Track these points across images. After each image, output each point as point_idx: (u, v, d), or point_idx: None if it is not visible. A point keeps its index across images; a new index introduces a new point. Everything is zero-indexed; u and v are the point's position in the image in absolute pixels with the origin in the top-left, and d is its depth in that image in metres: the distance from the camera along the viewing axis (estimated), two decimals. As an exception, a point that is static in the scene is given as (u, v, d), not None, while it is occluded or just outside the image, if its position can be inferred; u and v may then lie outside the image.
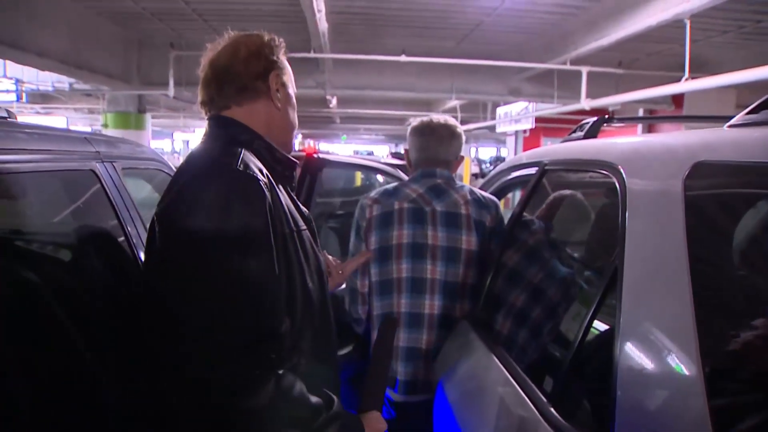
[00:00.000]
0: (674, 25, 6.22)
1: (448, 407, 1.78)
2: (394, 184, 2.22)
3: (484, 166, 27.81)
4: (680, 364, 0.94)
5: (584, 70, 8.36)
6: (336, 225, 4.84)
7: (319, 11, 6.11)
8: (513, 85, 10.66)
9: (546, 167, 1.87)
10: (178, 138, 31.46)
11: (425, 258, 2.05)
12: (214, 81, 1.37)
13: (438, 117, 2.23)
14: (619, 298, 1.08)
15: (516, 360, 1.60)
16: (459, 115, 13.82)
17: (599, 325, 1.33)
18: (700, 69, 7.65)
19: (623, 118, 2.45)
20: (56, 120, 17.81)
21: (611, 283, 1.17)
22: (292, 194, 1.44)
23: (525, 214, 1.98)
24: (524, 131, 16.00)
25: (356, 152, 36.74)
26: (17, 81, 11.02)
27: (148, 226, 1.63)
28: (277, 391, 1.14)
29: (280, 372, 1.17)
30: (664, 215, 1.09)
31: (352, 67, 9.86)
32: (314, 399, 1.25)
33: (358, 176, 7.89)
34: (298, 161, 1.49)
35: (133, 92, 10.12)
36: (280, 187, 1.36)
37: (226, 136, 1.34)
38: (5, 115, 1.48)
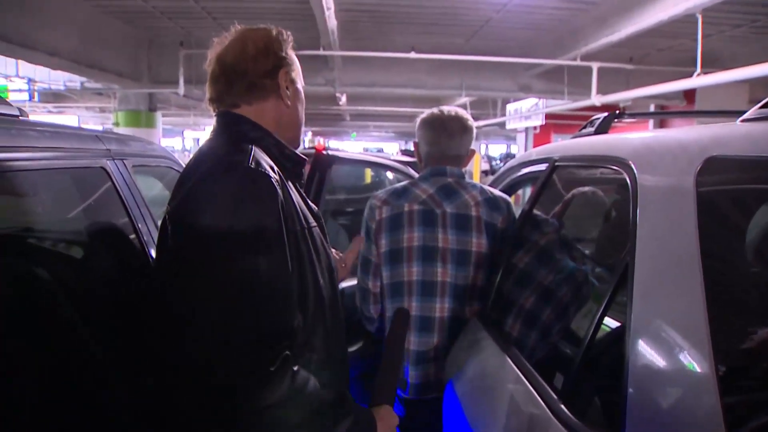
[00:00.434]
0: (685, 20, 6.17)
1: (458, 405, 1.78)
2: (404, 183, 2.19)
3: (494, 163, 27.72)
4: (692, 362, 0.93)
5: (595, 66, 8.32)
6: (346, 222, 4.83)
7: (329, 9, 6.12)
8: (523, 82, 10.63)
9: (556, 163, 1.86)
10: (189, 136, 31.60)
11: (435, 261, 2.03)
12: (223, 78, 1.36)
13: (449, 109, 2.17)
14: (630, 295, 1.07)
15: (527, 357, 1.59)
16: (469, 111, 13.76)
17: (610, 322, 1.33)
18: (712, 64, 7.59)
19: (634, 113, 2.43)
20: (68, 119, 17.97)
21: (622, 280, 1.16)
22: (301, 191, 1.43)
23: (535, 210, 1.97)
24: (534, 128, 15.95)
25: (366, 149, 36.73)
26: (30, 80, 11.10)
27: (158, 223, 1.64)
28: (292, 388, 1.14)
29: (295, 368, 1.17)
30: (675, 211, 1.08)
31: (362, 64, 9.85)
32: (327, 394, 1.25)
33: (368, 173, 7.88)
34: (307, 158, 1.49)
35: (144, 91, 10.18)
36: (290, 183, 1.35)
37: (235, 134, 1.33)
38: (17, 113, 1.49)
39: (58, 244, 1.57)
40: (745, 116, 1.25)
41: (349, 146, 40.48)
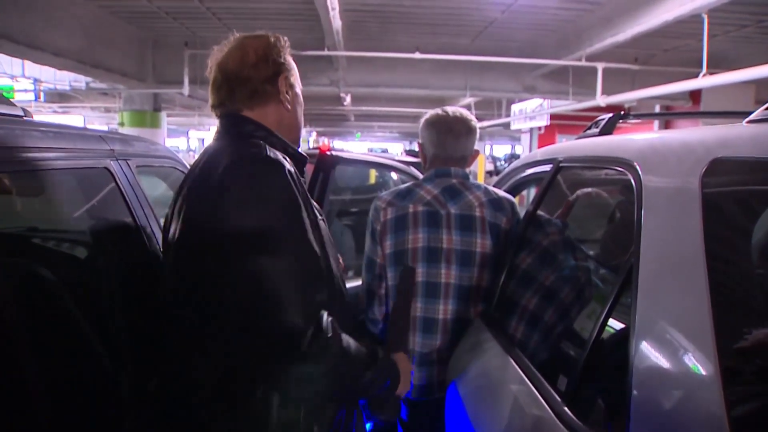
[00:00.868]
0: (691, 21, 6.15)
1: (461, 406, 1.77)
2: (408, 184, 2.18)
3: (498, 164, 27.67)
4: (697, 363, 0.92)
5: (600, 66, 8.30)
6: (350, 222, 4.82)
7: (333, 9, 6.12)
8: (528, 82, 10.61)
9: (561, 164, 1.85)
10: (194, 136, 31.66)
11: (440, 262, 2.02)
12: (225, 85, 1.41)
13: (453, 110, 2.17)
14: (634, 297, 1.06)
15: (530, 359, 1.58)
16: (473, 112, 13.77)
17: (614, 324, 1.32)
18: (718, 65, 7.57)
19: (639, 114, 2.41)
20: (73, 119, 18.02)
21: (626, 282, 1.15)
22: (304, 187, 1.45)
23: (539, 211, 1.97)
24: (539, 128, 15.89)
25: (370, 150, 36.72)
26: (35, 80, 11.14)
27: (162, 222, 1.65)
28: (343, 350, 1.26)
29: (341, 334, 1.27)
30: (680, 213, 1.07)
31: (366, 64, 9.86)
32: (362, 350, 1.34)
33: (373, 173, 7.87)
34: (309, 157, 1.51)
35: (149, 91, 10.21)
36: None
37: (242, 132, 1.38)
38: (22, 113, 1.50)
39: (62, 244, 1.57)
40: (751, 117, 1.24)
41: (353, 146, 40.48)
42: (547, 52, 8.92)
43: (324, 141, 39.45)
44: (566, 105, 10.60)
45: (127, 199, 1.58)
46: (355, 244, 4.06)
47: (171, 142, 27.86)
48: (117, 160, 1.61)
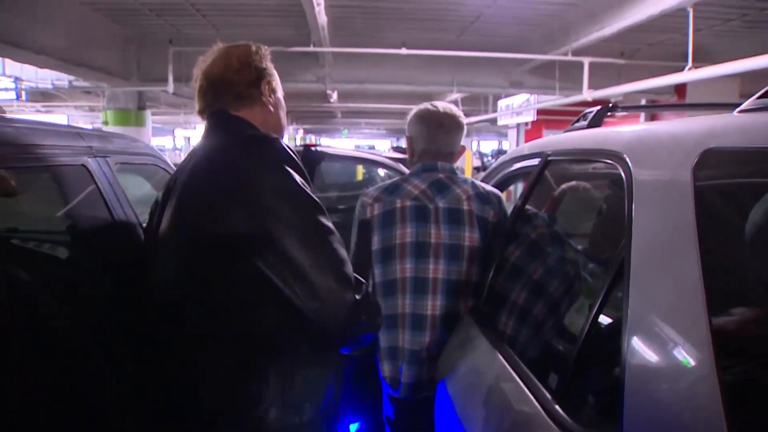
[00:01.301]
0: (676, 14, 6.15)
1: (450, 404, 1.75)
2: (395, 179, 2.17)
3: (485, 160, 27.72)
4: (692, 359, 0.90)
5: (586, 60, 8.30)
6: (337, 219, 4.78)
7: (318, 4, 6.06)
8: (514, 78, 10.60)
9: (549, 158, 1.83)
10: (179, 135, 31.39)
11: (428, 257, 2.00)
12: (211, 90, 1.49)
13: (443, 105, 2.16)
14: (626, 291, 1.04)
15: (519, 355, 1.56)
16: (460, 108, 13.71)
17: (605, 320, 1.30)
18: (703, 58, 7.57)
19: (628, 106, 2.40)
20: (57, 118, 17.77)
21: (618, 276, 1.13)
22: None
23: (528, 206, 1.94)
24: (526, 124, 15.91)
25: (358, 147, 36.64)
26: (16, 79, 10.98)
27: (143, 222, 1.60)
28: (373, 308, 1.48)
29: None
30: (672, 205, 1.05)
31: (352, 60, 9.79)
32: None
33: (360, 170, 7.83)
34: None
35: (133, 89, 10.08)
36: None
37: (235, 126, 1.46)
38: None
39: (36, 244, 1.52)
40: (742, 107, 1.22)
41: (340, 144, 40.42)
42: (534, 47, 8.91)
43: (311, 138, 39.40)
44: (553, 100, 10.59)
45: (106, 198, 1.53)
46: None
47: (156, 141, 27.63)
48: (95, 157, 1.56)
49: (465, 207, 2.03)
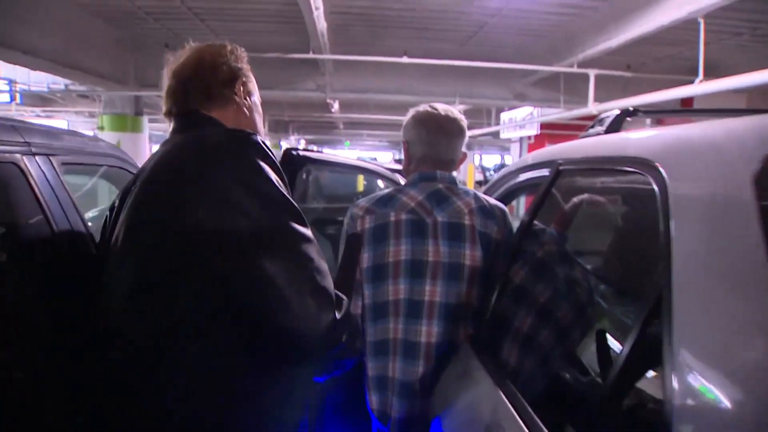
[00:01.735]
0: (684, 27, 6.01)
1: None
2: (389, 189, 1.94)
3: (488, 174, 27.69)
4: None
5: (592, 73, 8.12)
6: (334, 232, 4.59)
7: (317, 9, 5.89)
8: (518, 90, 10.44)
9: (560, 167, 1.61)
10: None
11: (424, 277, 1.78)
12: (180, 89, 1.36)
13: (443, 107, 1.95)
14: (668, 332, 0.82)
15: (524, 393, 1.34)
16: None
17: (623, 349, 1.08)
18: (711, 72, 7.41)
19: (650, 110, 2.14)
20: (57, 123, 17.60)
21: (653, 311, 0.91)
22: None
23: (536, 222, 1.73)
24: (529, 137, 15.78)
25: (360, 158, 36.53)
26: (10, 81, 10.81)
27: (88, 228, 1.39)
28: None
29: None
30: (727, 225, 0.83)
31: (353, 69, 9.64)
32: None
33: (360, 180, 7.62)
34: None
35: (129, 94, 9.90)
36: None
37: (208, 124, 1.33)
38: None
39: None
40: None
41: (342, 154, 40.30)
42: (538, 59, 8.74)
43: (313, 149, 39.37)
44: (557, 113, 10.41)
45: (44, 203, 1.30)
46: (334, 257, 3.80)
47: (156, 148, 27.49)
48: (33, 155, 1.35)
49: (466, 222, 1.82)
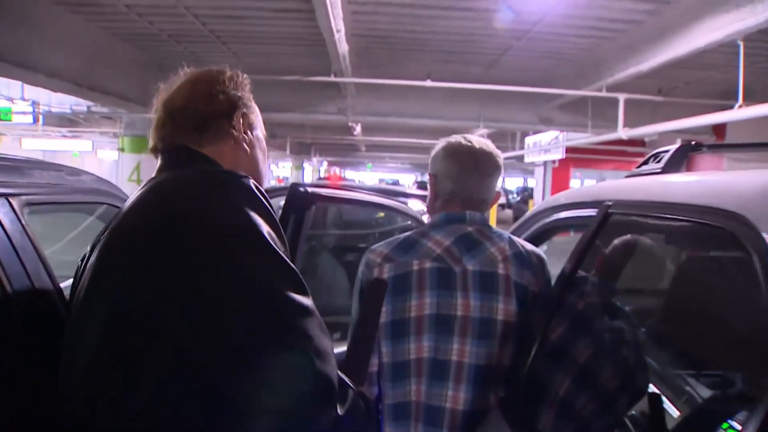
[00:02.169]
0: (719, 50, 5.80)
1: None
2: (410, 233, 1.71)
3: (510, 197, 27.48)
4: None
5: (621, 97, 7.89)
6: (353, 259, 4.40)
7: (338, 31, 5.75)
8: (544, 114, 10.21)
9: (610, 210, 1.38)
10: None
11: (452, 335, 1.55)
12: (170, 121, 1.18)
13: (478, 141, 1.72)
14: None
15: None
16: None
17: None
18: (747, 97, 7.15)
19: (715, 145, 1.88)
20: (82, 143, 17.72)
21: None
22: None
23: (580, 271, 1.50)
24: (553, 162, 15.52)
25: (381, 180, 36.63)
26: (33, 103, 10.85)
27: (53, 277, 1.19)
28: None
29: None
30: None
31: (375, 92, 9.51)
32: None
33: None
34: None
35: (149, 116, 9.85)
36: None
37: (197, 163, 1.13)
38: None
39: None
40: None
41: (365, 176, 40.44)
42: (565, 83, 8.53)
43: (335, 171, 39.54)
44: (585, 138, 10.16)
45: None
46: (350, 285, 3.58)
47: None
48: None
49: (500, 271, 1.58)
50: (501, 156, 1.71)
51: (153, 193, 1.06)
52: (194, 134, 1.16)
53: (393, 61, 8.56)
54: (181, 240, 0.94)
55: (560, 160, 15.03)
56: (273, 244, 0.97)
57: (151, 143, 1.22)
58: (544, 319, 1.51)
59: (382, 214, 6.40)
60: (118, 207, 1.65)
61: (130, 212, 1.05)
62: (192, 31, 7.49)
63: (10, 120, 11.02)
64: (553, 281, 1.63)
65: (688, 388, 1.40)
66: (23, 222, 1.19)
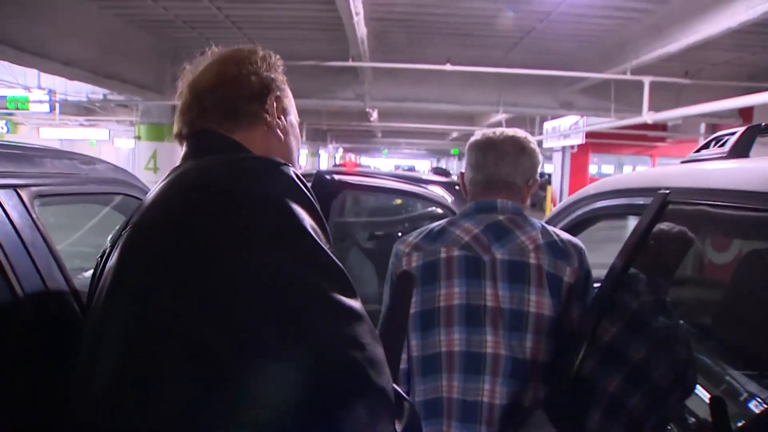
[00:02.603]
0: (752, 31, 5.57)
1: None
2: (440, 222, 1.64)
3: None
4: None
5: (646, 80, 7.69)
6: (372, 246, 4.30)
7: (357, 14, 5.63)
8: (564, 98, 10.01)
9: (668, 198, 1.26)
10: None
11: (483, 325, 1.47)
12: (196, 105, 1.07)
13: (505, 130, 1.67)
14: None
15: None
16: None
17: None
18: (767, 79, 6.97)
19: None
20: (99, 132, 17.80)
21: None
22: None
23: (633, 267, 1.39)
24: (572, 147, 15.31)
25: (397, 167, 36.51)
26: (50, 91, 10.83)
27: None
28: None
29: None
30: None
31: (393, 77, 9.39)
32: None
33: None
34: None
35: (166, 103, 9.80)
36: None
37: (227, 150, 1.03)
38: None
39: None
40: None
41: (380, 163, 40.31)
42: (587, 65, 8.33)
43: (351, 157, 39.48)
44: (608, 122, 9.95)
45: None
46: (377, 275, 3.49)
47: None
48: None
49: (532, 260, 1.49)
50: (527, 140, 1.64)
51: (176, 184, 0.95)
52: (223, 119, 1.06)
53: (411, 45, 8.42)
54: (210, 238, 0.84)
55: (579, 146, 14.81)
56: (318, 241, 0.87)
57: (175, 128, 1.12)
58: (592, 318, 1.40)
59: (399, 201, 6.29)
60: (135, 197, 1.57)
61: (152, 206, 0.94)
62: (207, 17, 7.39)
63: (27, 109, 10.99)
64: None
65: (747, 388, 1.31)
66: (34, 215, 1.10)
